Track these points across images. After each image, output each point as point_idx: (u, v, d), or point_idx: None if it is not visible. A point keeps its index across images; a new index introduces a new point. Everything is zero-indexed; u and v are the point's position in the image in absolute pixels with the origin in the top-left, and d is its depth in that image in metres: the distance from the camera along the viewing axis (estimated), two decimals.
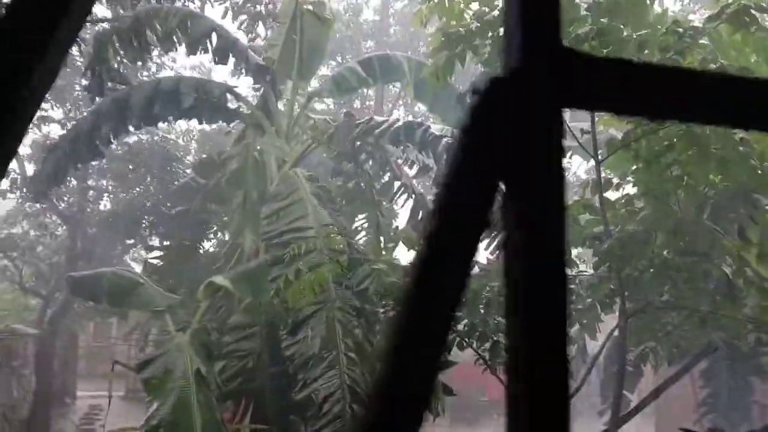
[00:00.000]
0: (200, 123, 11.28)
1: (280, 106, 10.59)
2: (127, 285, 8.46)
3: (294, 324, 6.89)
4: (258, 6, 12.07)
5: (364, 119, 9.34)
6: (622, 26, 5.24)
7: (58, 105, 17.45)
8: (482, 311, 5.52)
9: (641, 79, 0.30)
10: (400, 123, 8.98)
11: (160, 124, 12.28)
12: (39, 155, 16.83)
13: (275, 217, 7.87)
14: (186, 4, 11.58)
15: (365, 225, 9.90)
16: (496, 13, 5.86)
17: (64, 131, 13.54)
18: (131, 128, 10.10)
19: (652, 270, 5.88)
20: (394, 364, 0.24)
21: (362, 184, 9.39)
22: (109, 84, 9.81)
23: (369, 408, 0.26)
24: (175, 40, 9.35)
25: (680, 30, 5.02)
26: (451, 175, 0.27)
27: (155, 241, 14.51)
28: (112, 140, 10.04)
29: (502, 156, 0.28)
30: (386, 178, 10.29)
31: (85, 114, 11.82)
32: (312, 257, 6.96)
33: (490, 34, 5.79)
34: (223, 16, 12.16)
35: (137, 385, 16.81)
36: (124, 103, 9.34)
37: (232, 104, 10.29)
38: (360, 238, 9.64)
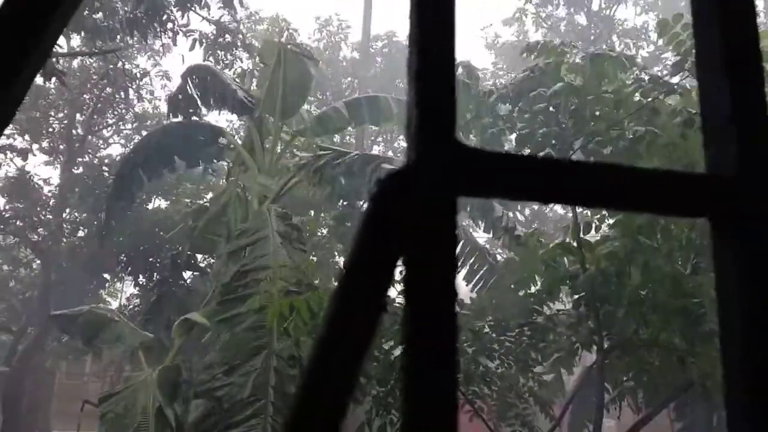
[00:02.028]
0: (198, 165, 11.72)
1: (266, 143, 10.77)
2: (100, 322, 8.35)
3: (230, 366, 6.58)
4: (227, 37, 12.43)
5: (350, 153, 9.38)
6: (603, 87, 5.45)
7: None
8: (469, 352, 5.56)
9: (522, 169, 0.34)
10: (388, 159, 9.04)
11: None
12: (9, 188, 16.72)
13: (242, 255, 7.80)
14: (158, 35, 11.81)
15: None
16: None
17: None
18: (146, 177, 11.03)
19: (626, 307, 5.93)
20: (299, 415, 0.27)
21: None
22: None
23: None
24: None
25: (650, 85, 5.20)
26: (353, 256, 0.30)
27: (129, 277, 14.43)
28: (145, 182, 10.96)
29: (400, 239, 0.31)
30: None
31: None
32: (262, 297, 6.66)
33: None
34: (191, 49, 12.49)
35: None
36: (144, 149, 10.38)
37: (222, 144, 10.67)
38: None
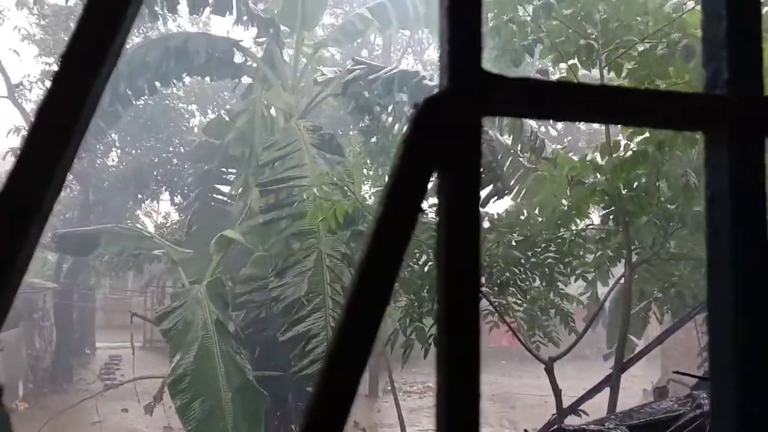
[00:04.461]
0: (211, 80, 11.34)
1: (286, 57, 10.50)
2: (130, 238, 8.68)
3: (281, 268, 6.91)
4: None
5: (371, 66, 9.00)
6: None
7: None
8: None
9: (540, 92, 0.39)
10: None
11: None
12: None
13: (271, 166, 7.89)
14: None
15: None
16: None
17: None
18: (146, 88, 10.37)
19: (654, 222, 5.96)
20: (345, 321, 0.35)
21: (382, 141, 8.97)
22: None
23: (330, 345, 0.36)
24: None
25: None
26: (396, 168, 0.37)
27: (165, 197, 14.74)
28: (132, 101, 10.49)
29: (435, 154, 0.37)
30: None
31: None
32: (305, 205, 6.78)
33: None
34: None
35: (154, 336, 17.32)
36: (138, 62, 9.58)
37: (238, 59, 10.26)
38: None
